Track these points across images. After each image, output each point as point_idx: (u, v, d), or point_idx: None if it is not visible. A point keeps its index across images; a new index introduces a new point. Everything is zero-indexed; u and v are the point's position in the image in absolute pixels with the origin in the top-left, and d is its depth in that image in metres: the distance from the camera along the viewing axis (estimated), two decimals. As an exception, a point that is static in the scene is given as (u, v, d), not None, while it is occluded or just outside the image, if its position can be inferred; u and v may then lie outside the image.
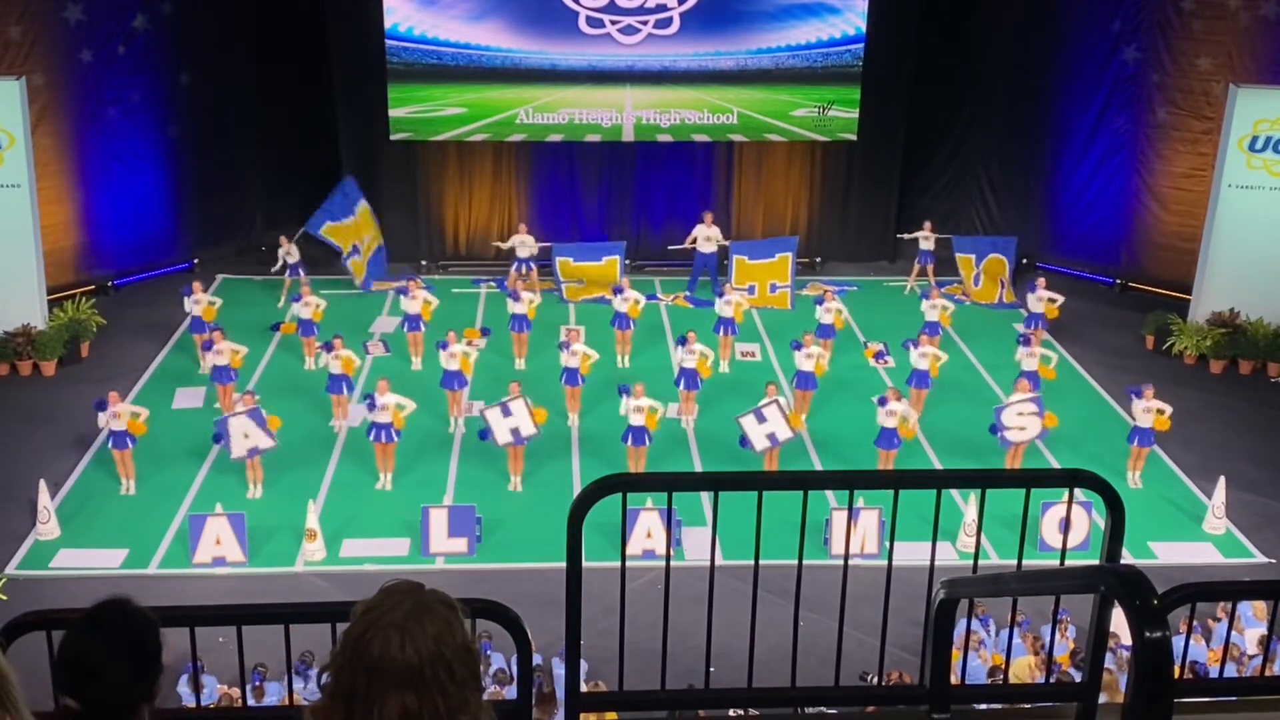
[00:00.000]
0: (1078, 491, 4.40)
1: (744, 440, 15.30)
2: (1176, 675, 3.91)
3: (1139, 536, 14.09)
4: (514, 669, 5.20)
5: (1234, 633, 11.19)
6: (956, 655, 5.40)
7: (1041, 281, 19.59)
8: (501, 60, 22.12)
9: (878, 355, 18.11)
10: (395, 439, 15.33)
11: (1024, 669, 10.80)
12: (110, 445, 15.19)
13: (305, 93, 22.64)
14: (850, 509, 4.38)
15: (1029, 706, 4.73)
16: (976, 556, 4.98)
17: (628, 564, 4.85)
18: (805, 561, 4.44)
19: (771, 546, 4.23)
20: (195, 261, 22.23)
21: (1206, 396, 18.24)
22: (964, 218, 23.74)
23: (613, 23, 22.05)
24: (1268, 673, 9.68)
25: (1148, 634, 2.95)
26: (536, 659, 10.70)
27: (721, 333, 18.62)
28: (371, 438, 15.38)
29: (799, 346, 16.92)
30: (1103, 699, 4.24)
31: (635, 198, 23.19)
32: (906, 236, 22.11)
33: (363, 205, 21.41)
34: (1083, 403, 17.90)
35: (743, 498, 4.18)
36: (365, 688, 2.33)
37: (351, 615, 2.40)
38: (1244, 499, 15.31)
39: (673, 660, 4.38)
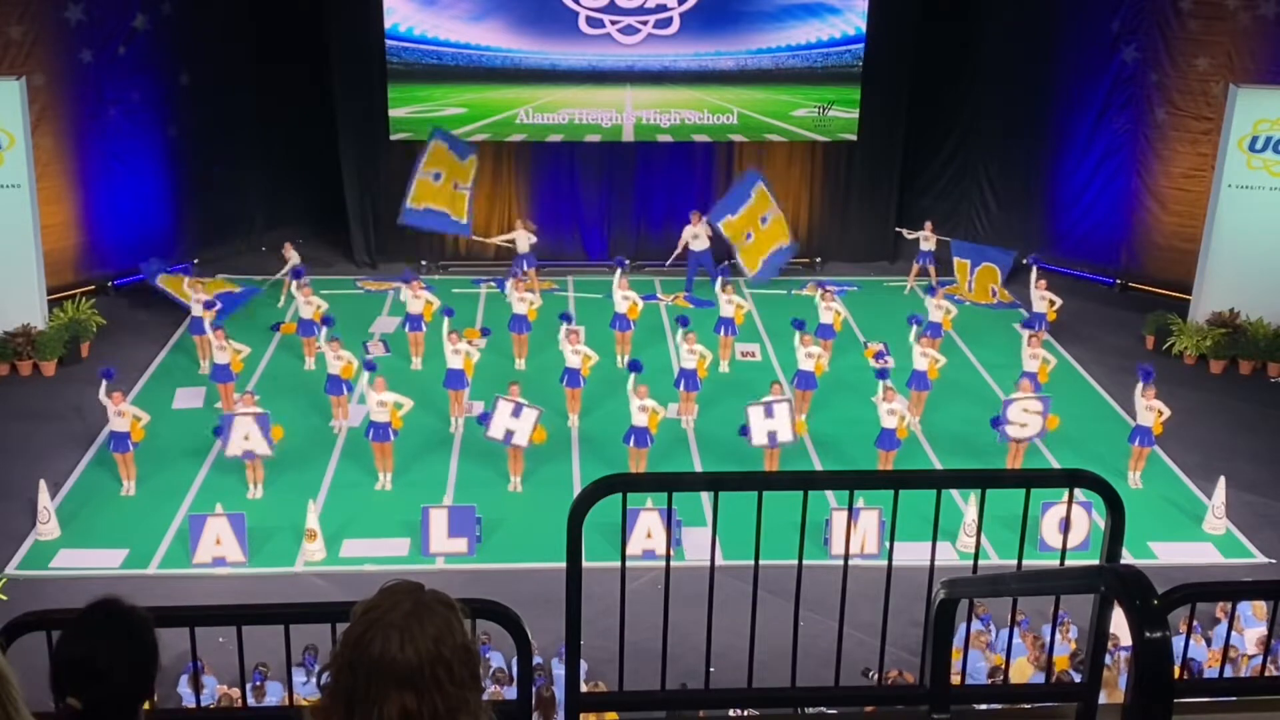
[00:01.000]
0: (1078, 491, 4.40)
1: (744, 429, 15.27)
2: (1176, 675, 3.91)
3: (1139, 536, 14.08)
4: (514, 669, 5.20)
5: (1234, 633, 11.19)
6: (957, 655, 5.40)
7: (1043, 283, 19.56)
8: (501, 60, 22.11)
9: (878, 355, 18.10)
10: (392, 438, 15.34)
11: (1025, 669, 10.80)
12: (111, 448, 15.18)
13: (305, 93, 22.63)
14: (850, 509, 4.37)
15: (1029, 706, 4.73)
16: (976, 556, 4.98)
17: (628, 564, 4.86)
18: (805, 561, 4.44)
19: (771, 546, 4.23)
20: (195, 261, 22.21)
21: (1206, 396, 18.22)
22: (964, 218, 23.72)
23: (613, 23, 22.04)
24: (1267, 673, 9.68)
25: (1148, 634, 2.95)
26: (536, 659, 10.70)
27: (722, 333, 18.62)
28: (369, 437, 15.39)
29: (800, 325, 16.97)
30: (1103, 699, 4.24)
31: (635, 198, 23.18)
32: (907, 233, 22.09)
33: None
34: (1083, 403, 17.88)
35: (743, 498, 4.19)
36: (365, 688, 2.33)
37: (351, 615, 2.40)
38: (1244, 499, 15.31)
39: (673, 660, 4.38)
